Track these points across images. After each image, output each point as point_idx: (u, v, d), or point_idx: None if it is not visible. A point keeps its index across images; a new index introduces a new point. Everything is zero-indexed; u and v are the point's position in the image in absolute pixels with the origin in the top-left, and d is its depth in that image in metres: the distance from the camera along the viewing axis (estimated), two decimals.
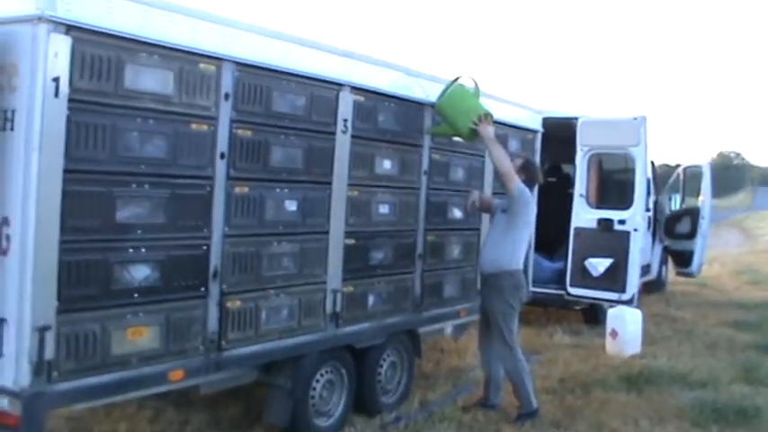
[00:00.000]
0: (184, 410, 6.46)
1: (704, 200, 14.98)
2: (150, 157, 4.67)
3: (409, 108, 6.88)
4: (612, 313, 10.01)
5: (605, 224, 10.85)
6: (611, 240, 10.76)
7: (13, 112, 4.19)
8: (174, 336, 4.89)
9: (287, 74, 5.55)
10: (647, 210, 13.78)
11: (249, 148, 5.33)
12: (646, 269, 14.13)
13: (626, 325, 9.84)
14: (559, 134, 11.08)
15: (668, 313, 13.15)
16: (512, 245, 6.91)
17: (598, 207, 11.22)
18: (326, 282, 6.07)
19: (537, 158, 9.43)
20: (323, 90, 5.89)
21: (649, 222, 14.10)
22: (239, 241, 5.31)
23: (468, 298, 7.83)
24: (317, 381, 6.20)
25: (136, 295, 4.66)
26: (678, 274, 15.84)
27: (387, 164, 6.65)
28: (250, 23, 5.31)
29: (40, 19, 4.06)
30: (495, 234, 7.03)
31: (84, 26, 4.22)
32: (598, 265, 10.78)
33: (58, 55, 4.12)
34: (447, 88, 7.03)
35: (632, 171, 10.82)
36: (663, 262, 15.72)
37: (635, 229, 10.65)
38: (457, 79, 7.07)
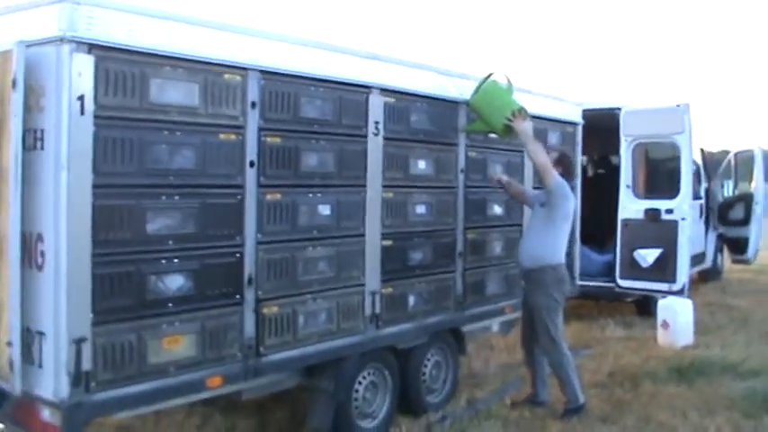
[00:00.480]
0: (231, 416, 6.53)
1: (757, 185, 14.76)
2: (179, 169, 4.75)
3: (442, 107, 6.89)
4: (663, 304, 9.91)
5: (652, 214, 10.75)
6: (660, 230, 10.66)
7: (42, 131, 4.29)
8: (211, 343, 4.96)
9: (314, 80, 5.60)
10: (699, 198, 13.64)
11: (279, 155, 5.38)
12: (700, 258, 13.98)
13: (677, 316, 9.74)
14: (606, 125, 11.02)
15: (724, 302, 13.01)
16: (552, 239, 6.88)
17: (645, 197, 11.12)
18: (365, 284, 6.10)
19: (578, 151, 9.37)
20: (352, 94, 5.93)
21: (701, 210, 13.95)
22: (273, 248, 5.37)
23: (512, 294, 7.80)
24: (360, 383, 6.23)
25: (170, 305, 4.74)
26: (734, 261, 15.64)
27: (422, 164, 6.66)
28: (273, 32, 5.37)
29: (62, 40, 4.16)
30: (534, 228, 7.01)
31: (106, 44, 4.31)
32: (647, 256, 10.70)
33: (81, 74, 4.22)
34: (480, 85, 7.01)
35: (678, 159, 10.71)
36: (718, 250, 15.52)
37: (683, 218, 10.54)
38: (489, 75, 7.05)
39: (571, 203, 6.92)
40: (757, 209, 14.59)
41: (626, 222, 11.05)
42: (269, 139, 5.30)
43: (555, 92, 8.90)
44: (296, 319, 5.55)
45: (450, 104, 6.99)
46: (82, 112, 4.22)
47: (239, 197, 5.12)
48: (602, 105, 11.22)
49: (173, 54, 4.65)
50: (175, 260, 4.76)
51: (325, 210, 5.75)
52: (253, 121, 5.17)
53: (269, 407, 6.66)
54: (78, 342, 4.27)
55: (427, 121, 6.71)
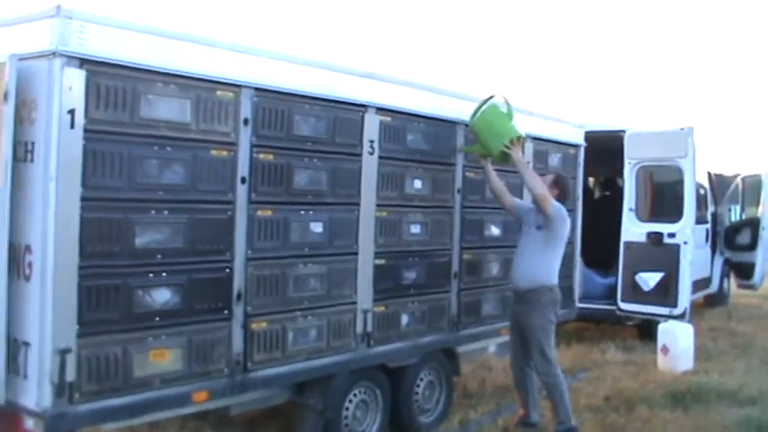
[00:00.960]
0: (222, 431, 6.54)
1: (764, 210, 14.72)
2: (169, 184, 4.79)
3: (439, 127, 6.91)
4: (663, 328, 9.88)
5: (655, 237, 10.75)
6: (662, 254, 10.66)
7: (33, 144, 4.34)
8: (197, 357, 4.98)
9: (308, 97, 5.64)
10: (705, 222, 13.63)
11: (271, 172, 5.41)
12: (706, 282, 13.97)
13: (677, 340, 9.71)
14: (612, 147, 11.04)
15: (728, 327, 12.98)
16: (549, 260, 6.89)
17: (648, 220, 11.12)
18: (356, 302, 6.12)
19: (580, 173, 9.38)
20: (347, 112, 5.97)
21: (708, 234, 13.93)
22: (263, 264, 5.39)
23: (508, 316, 7.77)
24: (350, 401, 6.24)
25: (157, 318, 4.76)
26: (740, 286, 15.60)
27: (417, 183, 6.68)
28: (267, 49, 5.40)
29: (54, 54, 4.20)
30: (531, 250, 6.95)
31: (97, 59, 4.36)
32: (649, 280, 10.69)
33: (72, 88, 4.26)
34: (480, 107, 7.02)
35: (681, 183, 10.70)
36: (724, 275, 15.46)
37: (685, 242, 10.53)
38: (490, 98, 7.06)
39: (568, 226, 6.93)
40: (764, 234, 14.56)
41: (628, 245, 11.04)
42: (261, 156, 5.33)
43: (557, 113, 8.93)
44: (285, 335, 5.56)
45: (448, 124, 7.01)
46: (72, 126, 4.26)
47: (230, 213, 5.15)
48: (608, 127, 11.25)
49: (165, 70, 4.69)
50: (163, 274, 4.78)
51: (317, 227, 5.77)
52: (245, 137, 5.21)
53: (259, 423, 6.68)
54: (63, 353, 4.29)
55: (423, 141, 6.73)
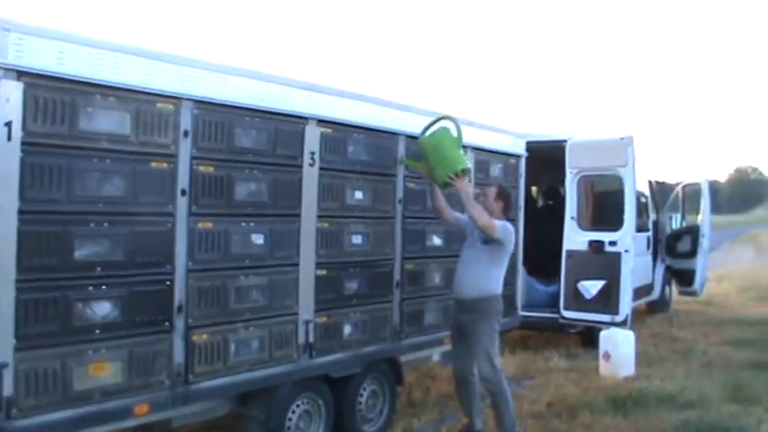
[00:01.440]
0: None
1: (704, 218, 15.00)
2: (109, 196, 4.78)
3: (381, 138, 6.96)
4: (605, 335, 10.00)
5: (596, 246, 10.91)
6: (603, 262, 10.81)
7: None
8: (138, 370, 4.97)
9: (249, 109, 5.66)
10: (647, 230, 13.84)
11: (212, 184, 5.42)
12: (647, 289, 14.17)
13: (619, 347, 9.83)
14: (554, 157, 11.18)
15: (669, 333, 13.14)
16: (496, 271, 6.94)
17: (590, 229, 11.28)
18: (298, 313, 6.14)
19: (521, 183, 9.48)
20: (287, 124, 5.99)
21: (649, 242, 14.14)
22: (204, 276, 5.40)
23: (450, 325, 7.82)
24: (293, 411, 6.24)
25: (98, 331, 4.74)
26: (681, 293, 15.83)
27: (358, 194, 6.72)
28: (208, 61, 5.42)
29: None
30: (476, 262, 6.91)
31: (35, 71, 4.35)
32: (591, 288, 10.83)
33: (9, 100, 4.26)
34: (433, 123, 7.08)
35: (622, 192, 10.86)
36: (665, 282, 15.69)
37: (626, 251, 10.69)
38: (443, 118, 7.08)
39: (513, 240, 6.98)
40: (704, 241, 14.83)
41: (570, 254, 11.18)
42: (201, 168, 5.33)
43: (498, 123, 9.02)
44: (227, 346, 5.56)
45: (389, 135, 7.06)
46: (9, 138, 4.25)
47: (170, 225, 5.16)
48: (550, 137, 11.39)
49: (104, 82, 4.69)
50: (103, 287, 4.77)
51: (258, 239, 5.78)
52: (185, 149, 5.22)
53: None
54: None
55: (364, 152, 6.77)
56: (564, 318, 11.18)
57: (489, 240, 6.82)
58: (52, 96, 4.46)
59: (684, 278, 15.25)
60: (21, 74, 4.30)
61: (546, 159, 10.72)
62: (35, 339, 4.44)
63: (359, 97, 6.73)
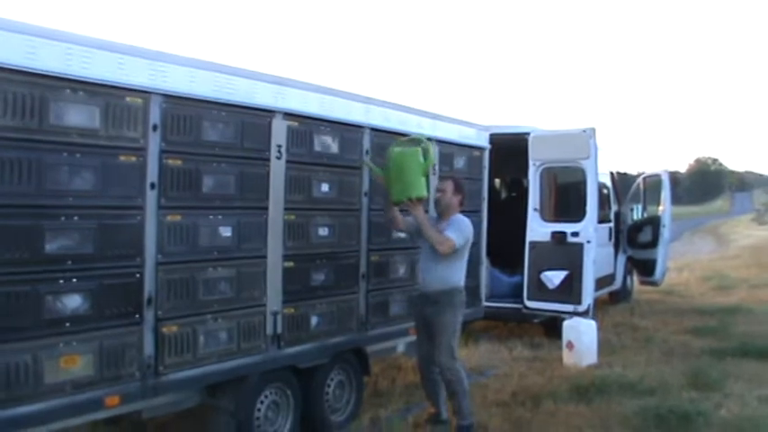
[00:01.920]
0: None
1: (664, 209, 15.19)
2: (78, 190, 4.80)
3: (347, 131, 7.04)
4: (568, 325, 10.14)
5: (559, 237, 11.05)
6: (566, 253, 10.94)
7: None
8: (109, 362, 5.00)
9: (216, 103, 5.70)
10: (609, 221, 14.00)
11: (180, 178, 5.46)
12: (609, 279, 14.32)
13: (581, 336, 9.97)
14: (517, 149, 11.28)
15: (631, 322, 13.29)
16: (459, 264, 7.04)
17: (552, 220, 11.41)
18: (266, 304, 6.19)
19: (485, 175, 9.56)
20: (254, 117, 6.04)
21: (611, 233, 14.30)
22: (173, 268, 5.44)
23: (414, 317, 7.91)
24: (262, 402, 6.31)
25: (68, 324, 4.77)
26: (642, 282, 16.02)
27: (325, 187, 6.79)
28: (177, 55, 5.45)
29: None
30: (438, 258, 6.92)
31: (4, 66, 4.36)
32: (553, 278, 10.96)
33: None
34: (409, 140, 7.18)
35: (584, 183, 10.99)
36: (627, 272, 15.89)
37: (588, 241, 10.83)
38: (420, 141, 7.11)
39: (471, 231, 7.06)
40: (664, 232, 15.01)
41: (533, 245, 11.32)
42: (170, 162, 5.37)
43: (461, 116, 9.10)
44: (196, 338, 5.61)
45: (355, 128, 7.14)
46: None
47: (139, 218, 5.19)
48: (513, 129, 11.50)
49: (73, 77, 4.71)
50: (74, 280, 4.80)
51: (226, 231, 5.83)
52: (154, 143, 5.25)
53: (172, 426, 6.67)
54: None
55: (331, 145, 6.85)
56: (527, 308, 11.32)
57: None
58: (21, 91, 4.47)
59: (646, 268, 15.42)
60: None
61: (509, 151, 10.82)
62: (5, 333, 4.46)
63: (325, 91, 6.79)
